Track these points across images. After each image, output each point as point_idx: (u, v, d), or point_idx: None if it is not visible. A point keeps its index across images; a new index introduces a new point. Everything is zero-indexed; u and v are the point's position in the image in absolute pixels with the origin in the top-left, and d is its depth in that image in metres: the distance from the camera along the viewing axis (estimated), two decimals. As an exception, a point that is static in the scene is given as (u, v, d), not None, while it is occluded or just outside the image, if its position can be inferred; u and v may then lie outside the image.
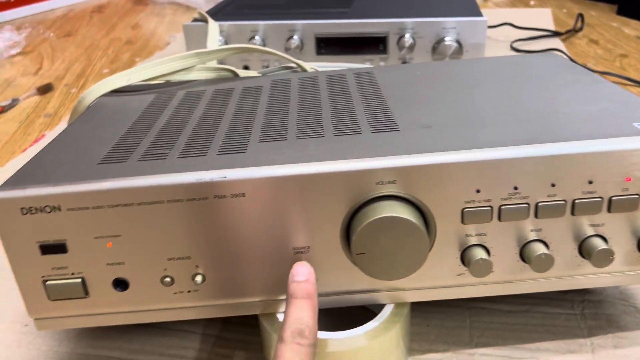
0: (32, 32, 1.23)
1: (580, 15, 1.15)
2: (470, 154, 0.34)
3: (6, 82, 0.99)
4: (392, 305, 0.39)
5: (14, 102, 0.89)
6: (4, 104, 0.88)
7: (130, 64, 1.05)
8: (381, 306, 0.39)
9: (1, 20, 1.32)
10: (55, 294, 0.36)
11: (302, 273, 0.35)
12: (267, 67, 0.84)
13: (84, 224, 0.34)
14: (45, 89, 0.93)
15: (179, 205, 0.34)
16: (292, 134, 0.40)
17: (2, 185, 0.35)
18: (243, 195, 0.34)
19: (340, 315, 0.44)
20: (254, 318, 0.44)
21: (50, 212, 0.34)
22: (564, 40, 1.07)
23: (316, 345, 0.32)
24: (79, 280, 0.36)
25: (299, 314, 0.33)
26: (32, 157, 0.39)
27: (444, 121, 0.39)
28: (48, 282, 0.36)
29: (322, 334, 0.37)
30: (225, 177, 0.34)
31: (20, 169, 0.37)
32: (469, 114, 0.40)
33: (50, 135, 0.77)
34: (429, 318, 0.44)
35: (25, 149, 0.74)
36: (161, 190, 0.34)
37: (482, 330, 0.42)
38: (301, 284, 0.34)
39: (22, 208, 0.34)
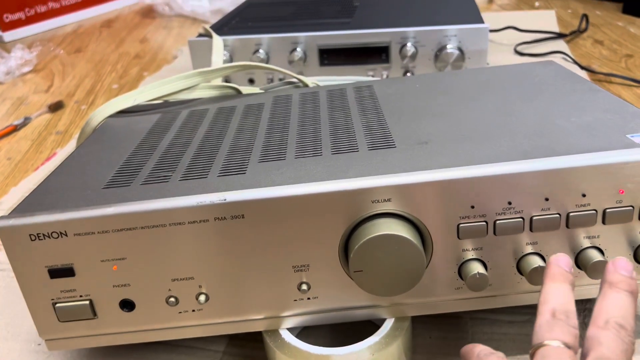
0: (43, 49, 1.25)
1: (585, 16, 1.15)
2: (463, 171, 0.34)
3: (19, 101, 1.01)
4: (393, 320, 0.39)
5: (26, 121, 0.91)
6: (16, 122, 0.90)
7: (138, 78, 1.07)
8: (383, 320, 0.40)
9: (13, 38, 1.35)
10: (65, 316, 0.38)
11: (624, 267, 0.32)
12: (271, 79, 0.85)
13: (90, 248, 0.36)
14: (56, 107, 0.95)
15: (181, 228, 0.35)
16: (291, 153, 0.41)
17: (11, 212, 0.36)
18: (242, 216, 0.35)
19: (345, 329, 0.45)
20: (259, 334, 0.45)
21: (57, 237, 0.35)
22: (568, 42, 1.06)
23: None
24: (87, 302, 0.37)
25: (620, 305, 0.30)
26: (40, 183, 0.41)
27: (439, 136, 0.40)
28: (57, 305, 0.37)
29: (324, 350, 0.38)
30: (225, 200, 0.35)
31: (29, 195, 0.39)
32: (465, 129, 0.41)
33: (61, 153, 0.79)
34: (431, 330, 0.44)
35: (37, 167, 0.76)
36: (163, 214, 0.35)
37: (484, 341, 0.42)
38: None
39: (30, 234, 0.35)
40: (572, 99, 0.45)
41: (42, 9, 1.41)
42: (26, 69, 1.13)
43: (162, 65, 1.13)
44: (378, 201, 0.35)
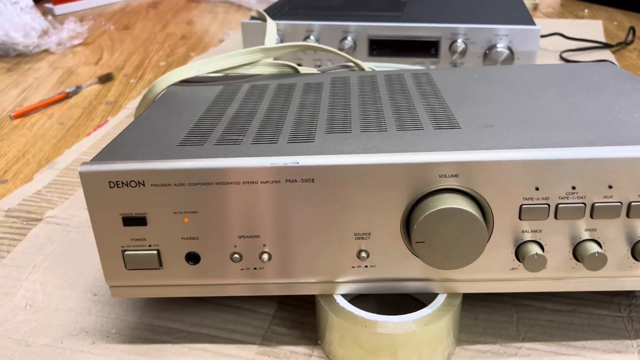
0: (94, 24, 1.28)
1: (632, 28, 1.14)
2: (531, 152, 0.35)
3: (69, 71, 1.04)
4: (444, 295, 0.40)
5: (77, 89, 0.94)
6: (68, 90, 0.92)
7: (185, 58, 1.09)
8: (431, 298, 0.41)
9: (63, 12, 1.38)
10: (132, 264, 0.39)
11: None
12: (319, 66, 0.86)
13: (164, 199, 0.37)
14: (105, 78, 0.98)
15: (253, 186, 0.37)
16: (356, 127, 0.42)
17: (92, 160, 0.38)
18: (312, 180, 0.36)
19: (391, 304, 0.46)
20: (308, 301, 0.46)
21: (135, 186, 0.37)
22: (614, 53, 1.06)
23: None
24: (155, 252, 0.39)
25: None
26: (115, 137, 0.42)
27: (503, 122, 0.41)
28: (126, 252, 0.39)
29: (377, 317, 0.39)
30: (297, 163, 0.36)
31: (107, 146, 0.40)
32: (528, 116, 0.42)
33: (113, 121, 0.81)
34: (477, 312, 0.45)
35: (89, 133, 0.78)
36: (238, 172, 0.36)
37: (529, 326, 0.44)
38: None
39: (110, 181, 0.37)
40: (633, 97, 0.45)
41: (92, -15, 1.44)
42: (77, 42, 1.17)
43: (209, 47, 1.15)
44: (445, 176, 0.36)
